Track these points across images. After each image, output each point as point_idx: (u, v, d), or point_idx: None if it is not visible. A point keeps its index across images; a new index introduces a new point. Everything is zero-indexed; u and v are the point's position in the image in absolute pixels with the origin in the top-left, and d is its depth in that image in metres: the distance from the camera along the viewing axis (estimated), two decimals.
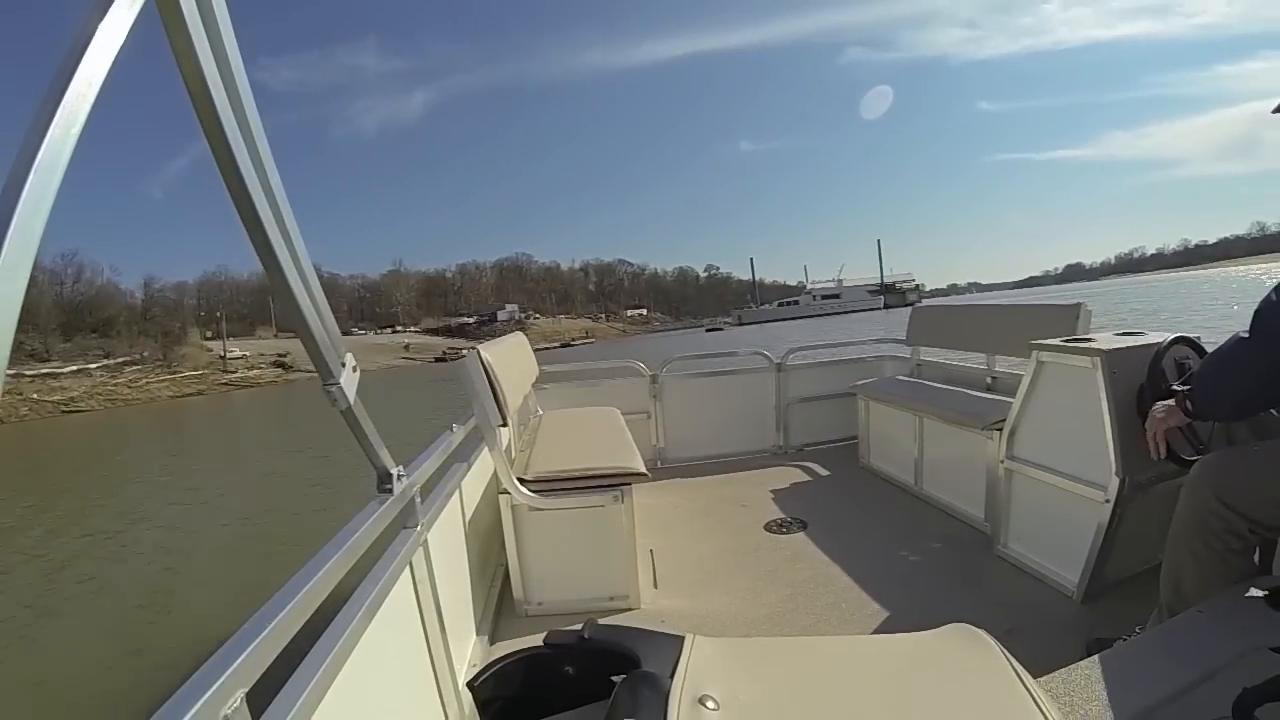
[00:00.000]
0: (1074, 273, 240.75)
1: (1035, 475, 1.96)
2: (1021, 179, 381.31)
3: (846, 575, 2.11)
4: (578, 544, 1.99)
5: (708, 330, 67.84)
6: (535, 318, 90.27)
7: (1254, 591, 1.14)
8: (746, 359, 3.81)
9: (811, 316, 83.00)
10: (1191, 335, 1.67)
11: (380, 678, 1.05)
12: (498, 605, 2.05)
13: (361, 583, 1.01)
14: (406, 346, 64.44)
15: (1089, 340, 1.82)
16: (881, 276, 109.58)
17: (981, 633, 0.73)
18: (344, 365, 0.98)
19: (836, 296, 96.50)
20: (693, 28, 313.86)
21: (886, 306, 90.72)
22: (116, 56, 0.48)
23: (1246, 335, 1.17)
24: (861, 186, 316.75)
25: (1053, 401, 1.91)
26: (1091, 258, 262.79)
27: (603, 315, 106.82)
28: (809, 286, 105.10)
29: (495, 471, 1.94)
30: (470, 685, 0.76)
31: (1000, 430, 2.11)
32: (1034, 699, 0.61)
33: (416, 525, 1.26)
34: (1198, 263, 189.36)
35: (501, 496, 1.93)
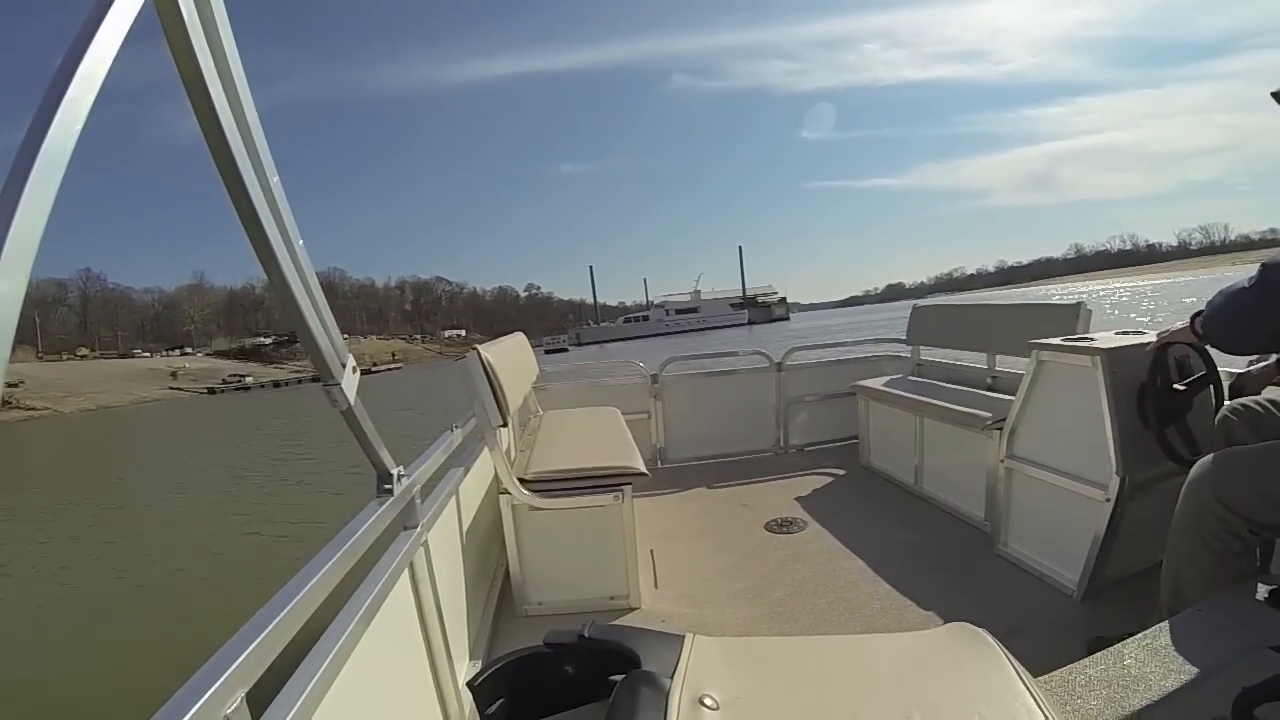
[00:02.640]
0: (894, 292, 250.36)
1: (1035, 474, 1.96)
2: (841, 204, 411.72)
3: (847, 575, 2.11)
4: (578, 544, 1.99)
5: (548, 351, 54.38)
6: (344, 338, 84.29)
7: (1254, 591, 1.14)
8: (746, 359, 3.82)
9: (664, 334, 72.00)
10: None
11: (380, 678, 1.05)
12: (498, 605, 2.05)
13: (362, 583, 1.02)
14: (174, 374, 50.55)
15: (1089, 339, 1.82)
16: (744, 288, 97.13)
17: (982, 632, 0.73)
18: (344, 366, 0.99)
19: (694, 311, 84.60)
20: (522, 49, 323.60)
21: (751, 322, 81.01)
22: (116, 56, 0.49)
23: (1249, 285, 1.22)
24: (688, 210, 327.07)
25: (1053, 401, 1.91)
26: (911, 278, 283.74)
27: (418, 336, 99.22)
28: (662, 299, 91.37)
29: (496, 472, 1.94)
30: (470, 685, 0.76)
31: (1000, 429, 2.11)
32: (1034, 698, 0.61)
33: (416, 525, 1.26)
34: (1018, 281, 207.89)
35: (502, 496, 1.93)
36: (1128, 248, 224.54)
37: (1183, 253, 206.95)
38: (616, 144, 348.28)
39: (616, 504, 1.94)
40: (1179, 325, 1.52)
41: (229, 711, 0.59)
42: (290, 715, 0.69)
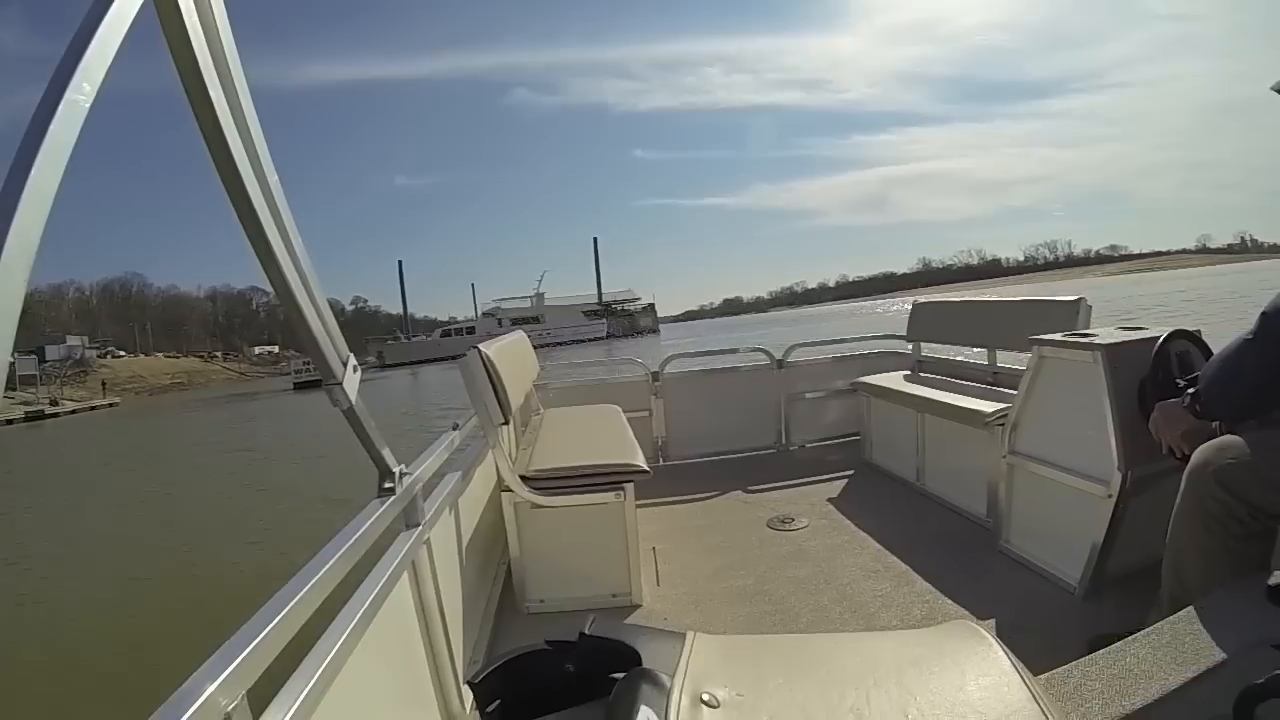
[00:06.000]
0: (732, 307, 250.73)
1: (1037, 470, 1.95)
2: (673, 221, 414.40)
3: (848, 572, 2.11)
4: (580, 541, 1.99)
5: (297, 386, 37.13)
6: (118, 354, 65.89)
7: (1256, 587, 1.14)
8: (748, 355, 3.82)
9: None
10: (1191, 329, 1.67)
11: (382, 676, 1.06)
12: (499, 603, 2.05)
13: (364, 581, 1.02)
14: None
15: (1090, 335, 1.82)
16: (600, 292, 76.92)
17: (981, 629, 0.74)
18: (345, 365, 0.98)
19: (535, 320, 65.45)
20: (360, 55, 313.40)
21: (610, 335, 65.33)
22: (116, 55, 0.49)
23: (1251, 337, 1.20)
24: (525, 225, 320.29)
25: (1054, 396, 1.91)
26: (748, 293, 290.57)
27: (219, 353, 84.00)
28: (494, 306, 71.90)
29: (497, 469, 1.94)
30: (470, 683, 0.76)
31: (1002, 425, 2.11)
32: (1034, 696, 0.61)
33: (419, 524, 1.26)
34: (864, 294, 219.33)
35: (504, 494, 1.93)
36: (975, 262, 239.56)
37: (1030, 267, 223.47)
38: (454, 157, 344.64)
39: (618, 501, 1.94)
40: (1170, 415, 1.42)
41: (230, 709, 0.59)
42: (291, 713, 0.69)
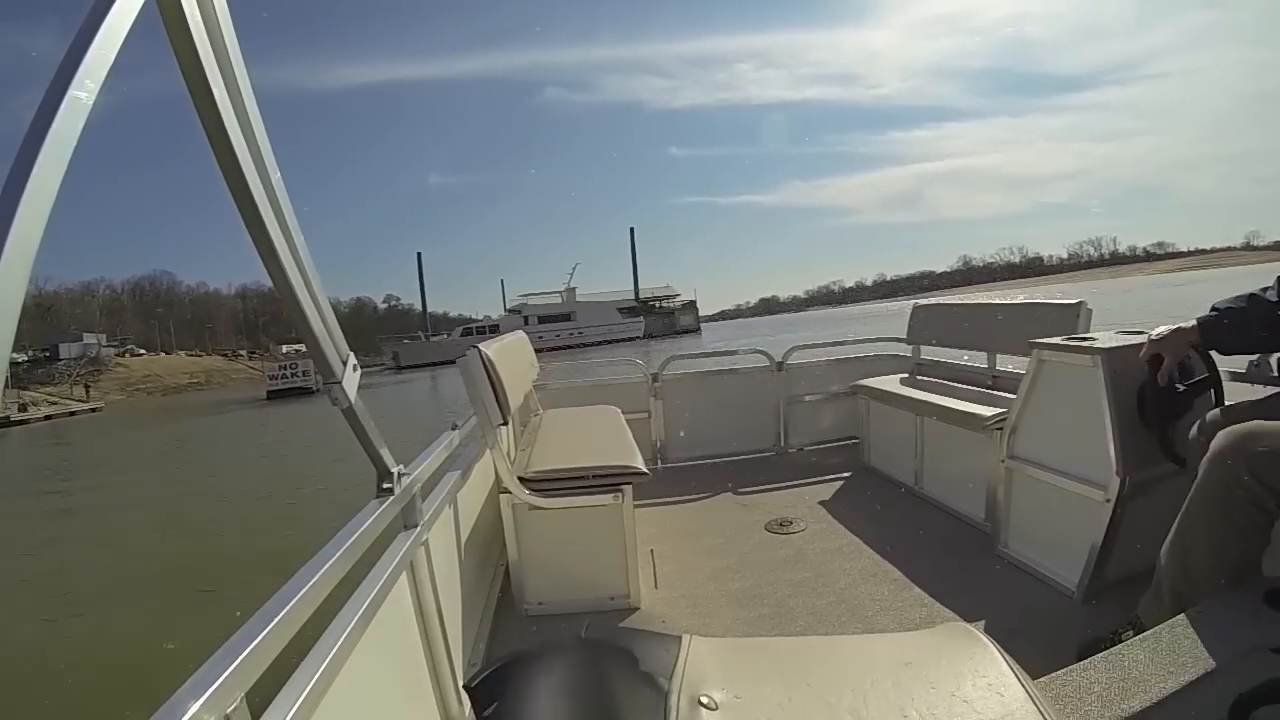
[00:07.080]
0: (768, 306, 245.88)
1: (1036, 474, 1.95)
2: (707, 219, 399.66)
3: (847, 575, 2.11)
4: (578, 543, 1.99)
5: (273, 394, 33.16)
6: (137, 353, 63.39)
7: (1254, 591, 1.14)
8: (747, 358, 3.82)
9: None
10: None
11: (379, 679, 1.05)
12: (498, 604, 2.05)
13: (362, 583, 1.01)
14: None
15: (1090, 339, 1.82)
16: (636, 288, 69.23)
17: (976, 631, 0.73)
18: (345, 364, 0.99)
19: (566, 318, 60.08)
20: (392, 56, 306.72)
21: (649, 335, 59.35)
22: (118, 55, 0.49)
23: (1275, 299, 1.36)
24: (558, 224, 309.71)
25: (1053, 400, 1.91)
26: (784, 291, 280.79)
27: (244, 351, 79.90)
28: (519, 302, 65.82)
29: (496, 471, 1.94)
30: (467, 687, 0.77)
31: (1001, 429, 2.11)
32: (1031, 698, 0.61)
33: (417, 525, 1.26)
34: (905, 293, 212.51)
35: (502, 496, 1.93)
36: (1016, 260, 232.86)
37: (1075, 265, 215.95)
38: (488, 155, 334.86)
39: (617, 503, 1.94)
40: (1165, 331, 1.54)
41: (229, 711, 0.59)
42: (289, 716, 0.69)
